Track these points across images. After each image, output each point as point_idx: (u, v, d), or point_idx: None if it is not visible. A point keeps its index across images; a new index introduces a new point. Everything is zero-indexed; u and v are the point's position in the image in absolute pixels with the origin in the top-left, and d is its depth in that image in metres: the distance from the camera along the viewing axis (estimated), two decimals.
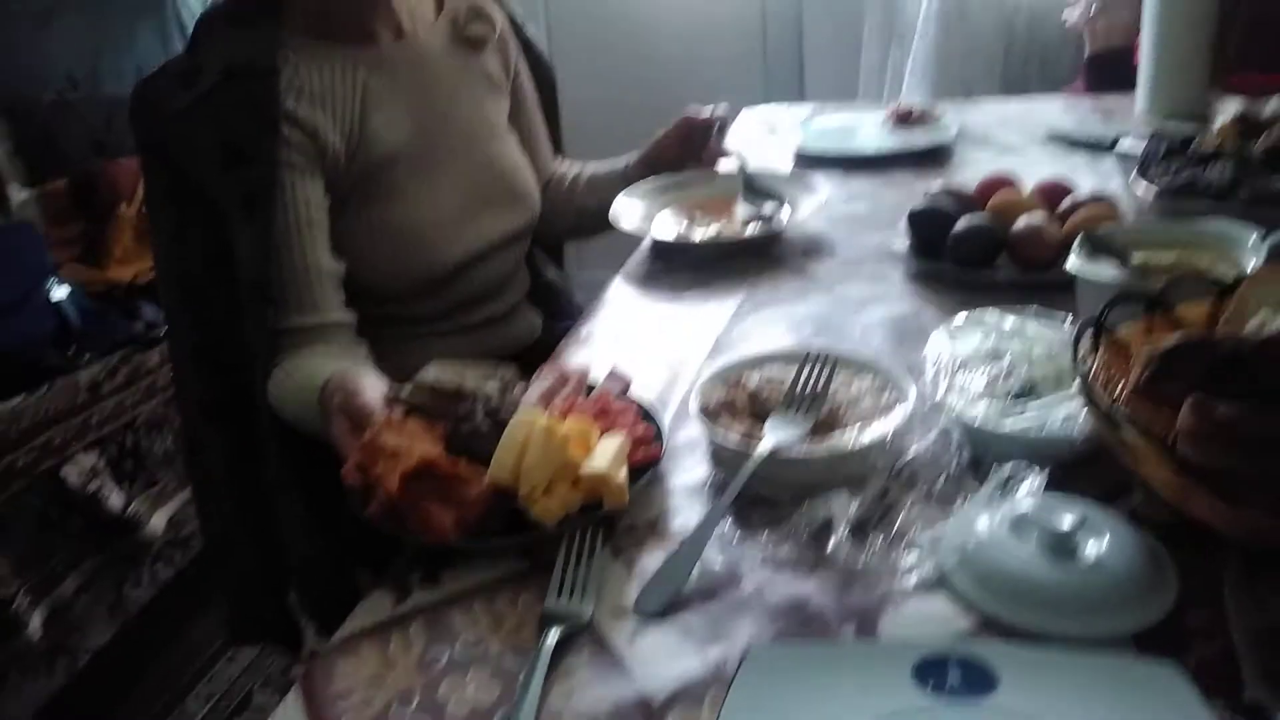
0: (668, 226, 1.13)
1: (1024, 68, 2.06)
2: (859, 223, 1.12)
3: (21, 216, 1.97)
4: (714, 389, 0.73)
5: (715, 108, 1.27)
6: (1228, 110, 1.23)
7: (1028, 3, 2.02)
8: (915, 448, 0.67)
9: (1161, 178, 1.01)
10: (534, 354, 1.23)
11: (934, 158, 1.31)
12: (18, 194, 2.02)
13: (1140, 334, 0.66)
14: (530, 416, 0.66)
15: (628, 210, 1.16)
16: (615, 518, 0.65)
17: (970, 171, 1.25)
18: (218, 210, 1.03)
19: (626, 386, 0.77)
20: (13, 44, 2.13)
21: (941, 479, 0.65)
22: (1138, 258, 0.79)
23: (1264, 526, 0.53)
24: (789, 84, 2.38)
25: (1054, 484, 0.61)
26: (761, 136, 1.48)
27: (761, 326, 0.91)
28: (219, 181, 1.01)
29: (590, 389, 0.76)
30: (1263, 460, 0.52)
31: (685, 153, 1.28)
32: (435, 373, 0.73)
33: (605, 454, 0.65)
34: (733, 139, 1.30)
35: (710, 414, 0.71)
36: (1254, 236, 0.82)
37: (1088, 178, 1.16)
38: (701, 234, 1.09)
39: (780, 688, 0.50)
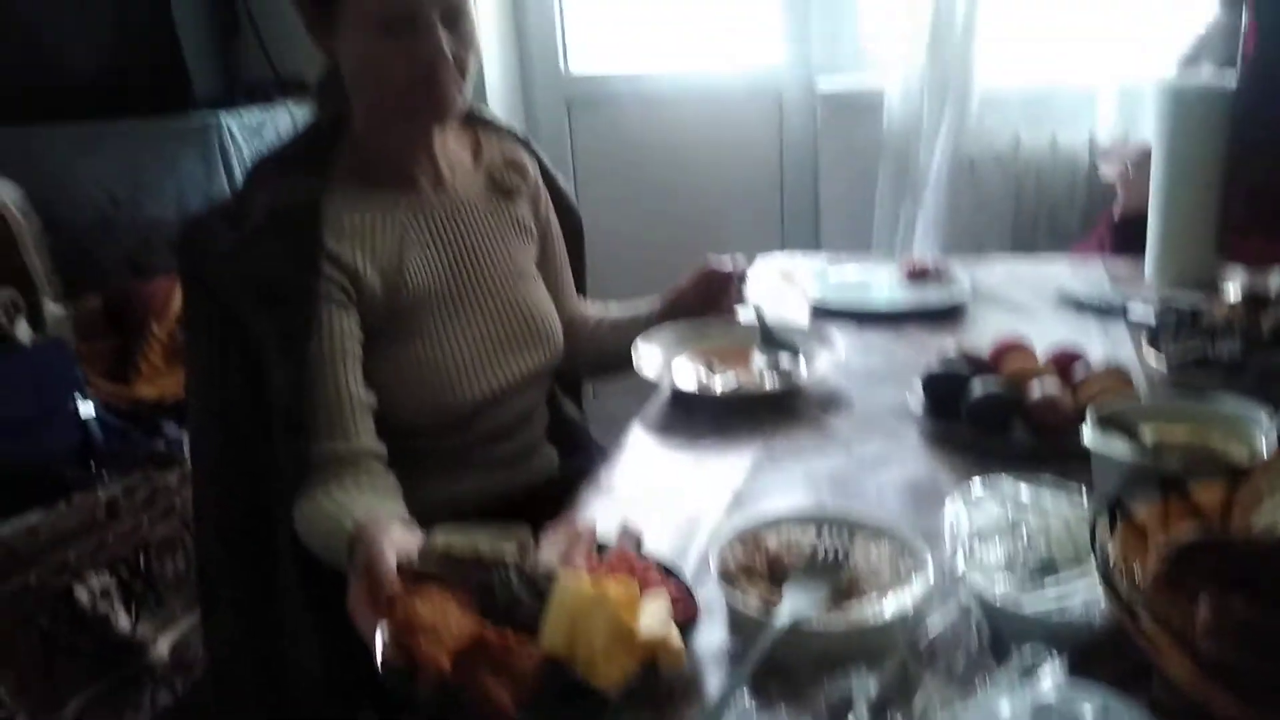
0: (687, 375, 1.16)
1: (1033, 223, 2.13)
2: (874, 378, 1.15)
3: (56, 332, 2.02)
4: (733, 550, 0.74)
5: (734, 258, 1.32)
6: (1235, 281, 1.27)
7: (1035, 161, 2.10)
8: (934, 623, 0.68)
9: (1172, 349, 1.04)
10: (551, 490, 1.25)
11: (947, 314, 1.35)
12: (53, 310, 2.08)
13: (1157, 518, 0.68)
14: (574, 582, 0.66)
15: (647, 357, 1.19)
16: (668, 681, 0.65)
17: (982, 330, 1.28)
18: (255, 342, 1.07)
19: (639, 542, 0.78)
20: (59, 164, 2.23)
21: (961, 658, 0.65)
22: (1151, 434, 0.81)
23: None
24: (805, 233, 2.46)
25: (1073, 668, 0.61)
26: (777, 285, 1.53)
27: (780, 482, 0.93)
28: (259, 316, 1.05)
29: (600, 546, 0.77)
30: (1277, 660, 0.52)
31: (704, 300, 1.32)
32: (444, 539, 0.73)
33: (656, 616, 0.65)
34: (750, 288, 1.35)
35: (729, 577, 0.71)
36: (1265, 417, 0.83)
37: (1099, 343, 1.19)
38: (721, 384, 1.12)
39: None
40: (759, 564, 0.73)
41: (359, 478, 1.00)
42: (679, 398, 1.13)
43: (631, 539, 0.77)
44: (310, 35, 1.10)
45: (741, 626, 0.70)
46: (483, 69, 2.38)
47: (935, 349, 1.19)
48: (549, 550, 0.73)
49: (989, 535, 0.74)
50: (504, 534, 0.74)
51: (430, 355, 1.13)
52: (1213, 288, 1.32)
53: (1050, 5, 2.05)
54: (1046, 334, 1.23)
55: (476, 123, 1.27)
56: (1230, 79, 1.30)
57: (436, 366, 1.13)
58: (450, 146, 1.21)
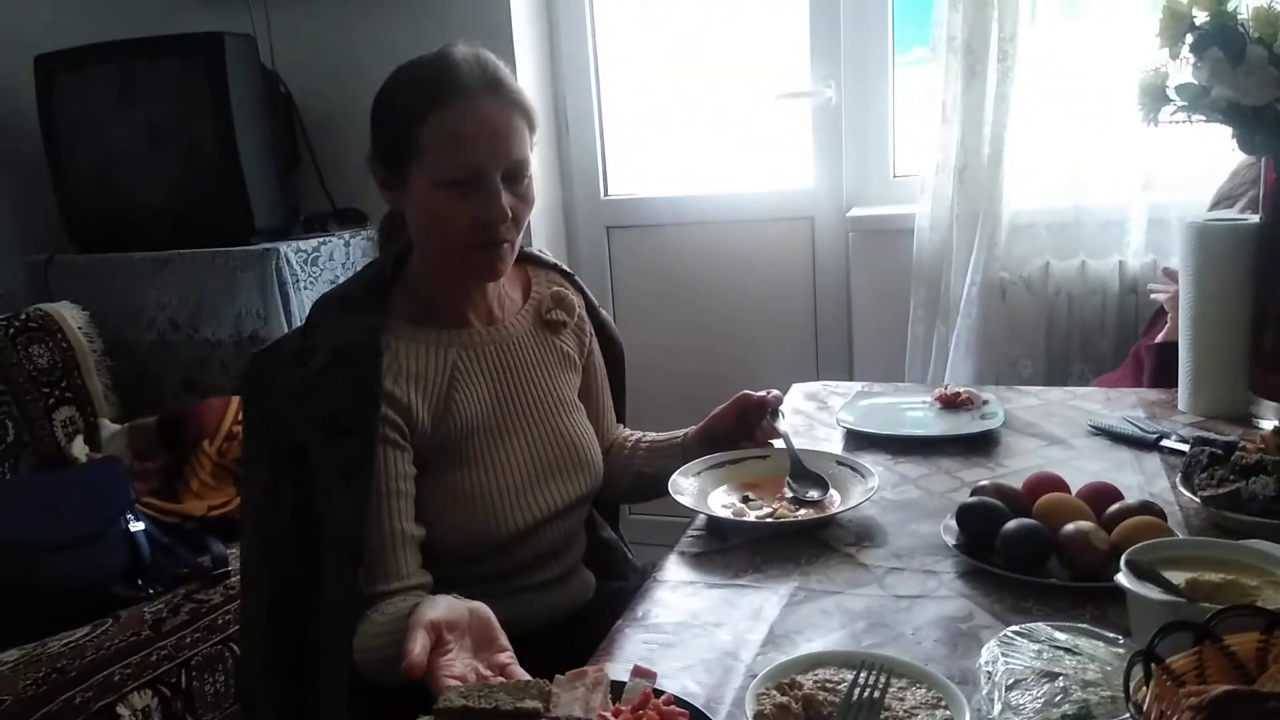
0: (722, 504, 1.18)
1: (1065, 349, 2.15)
2: (908, 510, 1.16)
3: (110, 450, 2.09)
4: (767, 693, 0.75)
5: (770, 392, 1.36)
6: (1268, 418, 1.28)
7: (1066, 285, 2.13)
8: None
9: (1204, 487, 1.05)
10: (588, 614, 1.27)
11: (980, 443, 1.36)
12: (108, 428, 2.16)
13: (1190, 667, 0.68)
14: None
15: (682, 485, 1.21)
16: None
17: (1016, 461, 1.29)
18: (312, 476, 1.12)
19: (654, 680, 0.79)
20: (125, 289, 2.36)
21: None
22: (1185, 578, 0.81)
23: None
24: (839, 360, 2.50)
25: None
26: (812, 412, 1.55)
27: (815, 618, 0.93)
28: (321, 450, 1.10)
29: (616, 684, 0.78)
30: None
31: (740, 430, 1.36)
32: (461, 696, 0.74)
33: None
34: (785, 417, 1.38)
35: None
36: None
37: (1133, 476, 1.20)
38: (755, 514, 1.14)
39: None
40: (794, 707, 0.74)
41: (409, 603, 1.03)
42: (713, 527, 1.15)
43: (648, 678, 0.78)
44: (380, 186, 1.19)
45: None
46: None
47: (969, 481, 1.20)
48: (568, 701, 0.74)
49: (1024, 681, 0.74)
50: (522, 689, 0.75)
51: (475, 484, 1.17)
52: (1246, 422, 1.33)
53: (1077, 135, 2.12)
54: (1081, 466, 1.24)
55: (527, 260, 1.34)
56: (1256, 215, 1.34)
57: (481, 495, 1.17)
58: (503, 285, 1.27)
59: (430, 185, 1.12)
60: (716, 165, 2.68)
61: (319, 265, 2.34)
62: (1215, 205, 1.76)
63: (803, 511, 1.14)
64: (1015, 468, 1.26)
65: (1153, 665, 0.66)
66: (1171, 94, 1.31)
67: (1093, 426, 1.37)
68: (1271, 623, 0.70)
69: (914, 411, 1.50)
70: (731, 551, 1.09)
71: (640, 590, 1.02)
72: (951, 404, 1.49)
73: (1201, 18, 1.25)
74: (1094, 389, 1.62)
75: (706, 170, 2.69)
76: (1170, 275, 1.61)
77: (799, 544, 1.09)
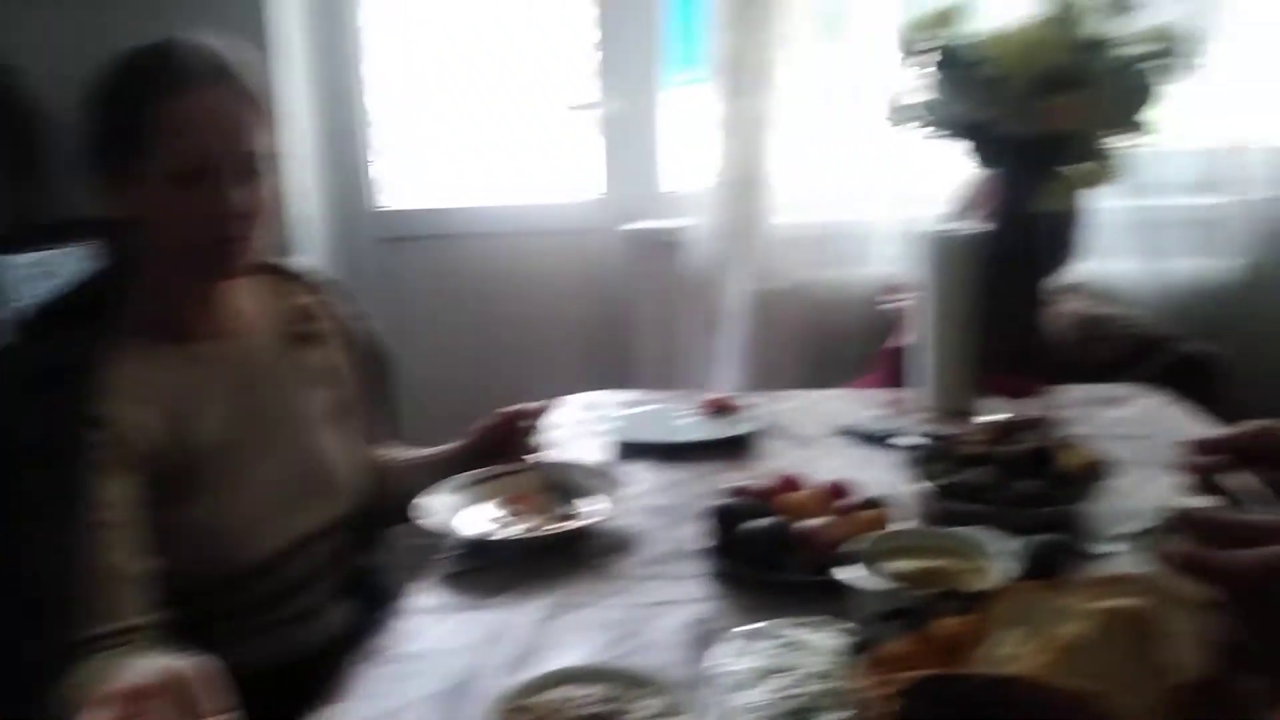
0: (475, 523, 1.14)
1: (827, 354, 2.26)
2: (666, 516, 1.17)
3: None
4: (502, 715, 0.72)
5: (534, 405, 1.34)
6: (990, 412, 1.38)
7: (826, 295, 2.25)
8: None
9: (930, 479, 1.11)
10: (345, 647, 1.19)
11: (742, 448, 1.40)
12: None
13: (902, 653, 0.71)
14: None
15: (435, 506, 1.17)
16: None
17: (773, 462, 1.33)
18: (11, 513, 0.99)
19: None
20: None
21: None
22: (900, 566, 0.85)
23: None
24: (621, 372, 2.51)
25: None
26: (581, 424, 1.55)
27: (564, 634, 0.92)
28: (19, 482, 0.98)
29: None
30: None
31: (504, 445, 1.32)
32: None
33: None
34: (553, 429, 1.36)
35: None
36: (1009, 545, 0.90)
37: (878, 473, 1.25)
38: (507, 532, 1.11)
39: None
40: None
41: (126, 654, 0.92)
42: (468, 548, 1.11)
43: None
44: (99, 184, 1.08)
45: None
46: (290, 210, 2.37)
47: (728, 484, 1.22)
48: None
49: (752, 680, 0.75)
50: None
51: (212, 511, 1.08)
52: (977, 419, 1.43)
53: (835, 151, 2.24)
54: (830, 466, 1.29)
55: (272, 269, 1.25)
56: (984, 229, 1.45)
57: (221, 523, 1.08)
58: (243, 295, 1.19)
59: (155, 181, 1.03)
60: (495, 176, 2.64)
61: (50, 281, 2.11)
62: (956, 216, 1.89)
63: (556, 526, 1.12)
64: (768, 469, 1.29)
65: (864, 654, 0.69)
66: (915, 111, 1.40)
67: (839, 427, 1.44)
68: (974, 607, 0.74)
69: (682, 419, 1.52)
70: (485, 572, 1.06)
71: (384, 621, 0.97)
72: (717, 410, 1.53)
73: (937, 40, 1.35)
74: (846, 391, 1.70)
75: (485, 182, 2.65)
76: (896, 288, 1.72)
77: (556, 559, 1.07)
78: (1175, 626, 0.67)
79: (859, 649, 0.69)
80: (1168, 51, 1.21)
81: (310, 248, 2.53)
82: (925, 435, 1.21)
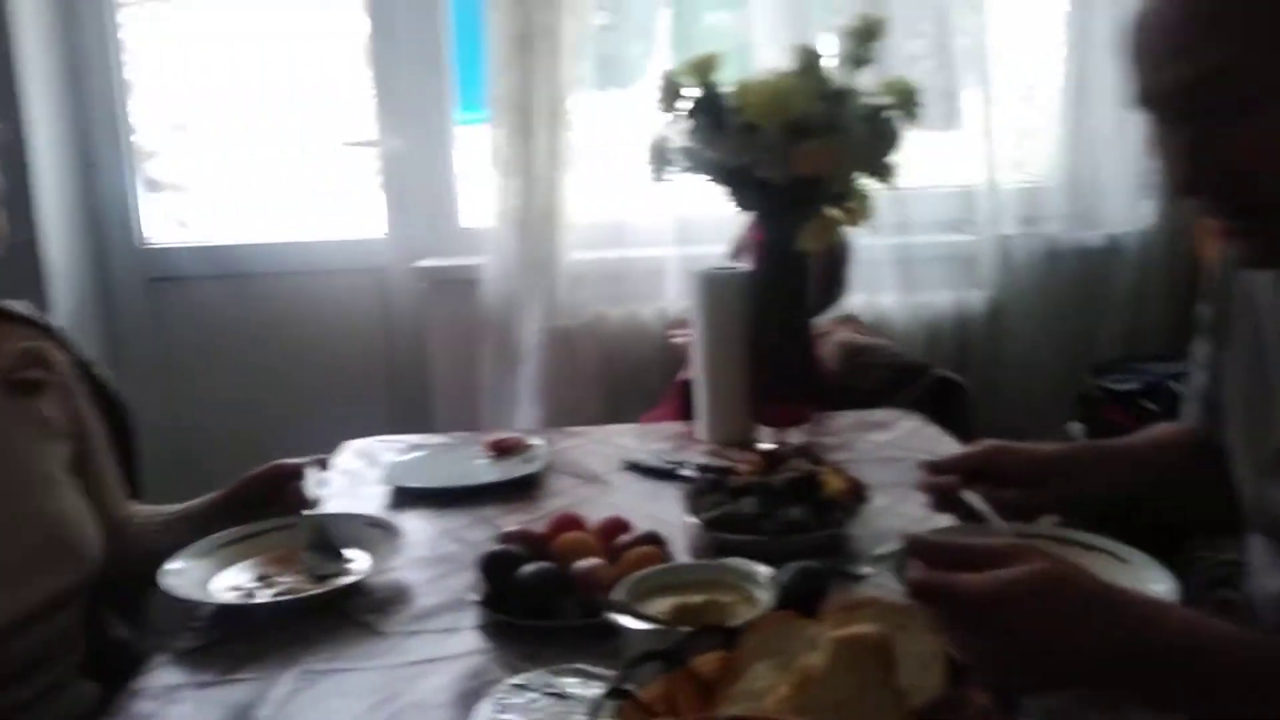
0: (228, 587, 1.06)
1: (622, 389, 2.28)
2: (441, 566, 1.12)
3: None
4: None
5: (310, 457, 1.27)
6: (766, 444, 1.43)
7: (619, 331, 2.28)
8: None
9: (701, 510, 1.13)
10: None
11: (524, 488, 1.37)
12: None
13: (660, 696, 0.70)
14: None
15: (186, 568, 1.07)
16: None
17: (556, 501, 1.31)
18: None
19: None
20: None
21: None
22: (665, 605, 0.85)
23: None
24: (419, 414, 2.43)
25: None
26: (360, 471, 1.48)
27: (318, 703, 0.85)
28: None
29: None
30: None
31: (273, 498, 1.24)
32: None
33: None
34: (328, 479, 1.29)
35: None
36: (773, 575, 0.91)
37: (662, 507, 1.26)
38: (264, 595, 1.03)
39: None
40: None
41: None
42: (217, 615, 1.02)
43: None
44: None
45: None
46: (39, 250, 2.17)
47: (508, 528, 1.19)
48: None
49: None
50: None
51: None
52: (753, 448, 1.47)
53: (621, 191, 2.28)
54: (610, 501, 1.29)
55: None
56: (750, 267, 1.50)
57: None
58: None
59: None
60: (275, 215, 2.52)
61: None
62: (731, 255, 1.96)
63: (320, 585, 1.06)
64: (553, 508, 1.28)
65: (623, 696, 0.68)
66: (675, 155, 1.44)
67: (625, 462, 1.45)
68: (733, 640, 0.75)
69: (464, 462, 1.48)
70: (233, 641, 0.97)
71: (111, 707, 0.87)
72: (501, 451, 1.49)
73: (692, 89, 1.39)
74: (632, 426, 1.72)
75: (265, 220, 2.52)
76: (682, 323, 1.77)
77: (317, 622, 1.00)
78: (911, 649, 0.70)
79: (615, 694, 0.68)
80: (904, 102, 1.31)
81: (65, 288, 2.31)
82: (700, 467, 1.23)
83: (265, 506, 1.23)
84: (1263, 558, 0.91)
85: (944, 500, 1.00)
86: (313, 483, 1.25)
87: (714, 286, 1.49)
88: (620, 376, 2.28)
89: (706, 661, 0.73)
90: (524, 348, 2.24)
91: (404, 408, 2.47)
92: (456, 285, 2.35)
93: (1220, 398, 0.97)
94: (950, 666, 0.70)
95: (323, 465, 1.30)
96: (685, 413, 1.77)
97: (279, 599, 1.02)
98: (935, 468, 1.03)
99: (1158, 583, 0.89)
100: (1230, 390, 0.94)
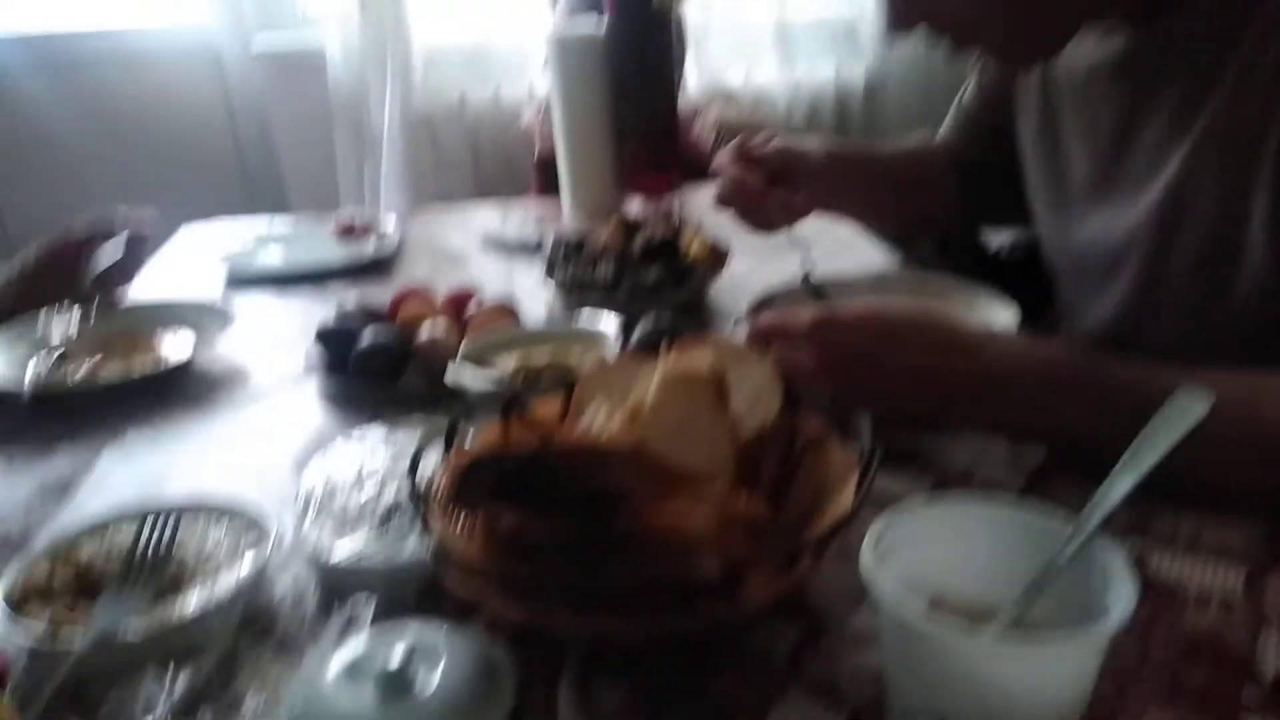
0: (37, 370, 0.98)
1: (493, 174, 2.19)
2: (283, 344, 1.07)
3: None
4: (27, 571, 0.62)
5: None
6: (619, 212, 1.38)
7: (484, 115, 2.15)
8: (273, 596, 0.62)
9: (559, 276, 1.09)
10: None
11: (377, 270, 1.31)
12: None
13: (491, 440, 0.68)
14: None
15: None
16: None
17: (408, 279, 1.26)
18: None
19: None
20: None
21: (296, 627, 0.60)
22: (511, 361, 0.83)
23: (578, 626, 0.54)
24: (273, 197, 2.28)
25: (409, 611, 0.59)
26: (196, 256, 1.38)
27: (142, 470, 0.81)
28: None
29: None
30: (552, 562, 0.53)
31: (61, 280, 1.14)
32: None
33: None
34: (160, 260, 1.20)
35: (16, 603, 0.59)
36: (620, 330, 0.89)
37: (515, 280, 1.23)
38: (80, 375, 0.96)
39: None
40: (63, 582, 0.62)
41: None
42: (39, 396, 0.95)
43: None
44: None
45: (34, 662, 0.58)
46: None
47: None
48: None
49: (342, 490, 0.70)
50: None
51: None
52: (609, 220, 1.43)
53: None
54: (468, 277, 1.24)
55: None
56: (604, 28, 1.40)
57: None
58: None
59: None
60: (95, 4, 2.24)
61: None
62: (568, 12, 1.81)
63: (142, 367, 0.99)
64: (401, 285, 1.22)
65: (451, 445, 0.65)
66: None
67: (484, 238, 1.39)
68: (572, 388, 0.72)
69: (310, 243, 1.40)
70: (48, 424, 0.90)
71: None
72: (350, 232, 1.41)
73: None
74: (493, 203, 1.64)
75: (92, 6, 2.24)
76: (528, 103, 1.66)
77: (140, 403, 0.93)
78: (745, 382, 0.69)
79: (448, 440, 0.65)
80: None
81: None
82: (561, 239, 1.18)
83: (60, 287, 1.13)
84: (1070, 295, 0.93)
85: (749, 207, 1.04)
86: (104, 254, 1.14)
87: (567, 50, 1.38)
88: (487, 161, 2.17)
89: (540, 407, 0.71)
90: (381, 134, 2.10)
91: (257, 197, 2.32)
92: (298, 67, 2.16)
93: (984, 120, 1.03)
94: (785, 398, 0.69)
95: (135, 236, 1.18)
96: (549, 191, 1.70)
97: (102, 382, 0.95)
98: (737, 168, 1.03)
99: (1002, 313, 0.91)
100: (1022, 128, 0.94)
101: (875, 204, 1.14)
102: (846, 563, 0.54)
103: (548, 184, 1.58)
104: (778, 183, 1.03)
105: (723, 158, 1.06)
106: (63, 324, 1.06)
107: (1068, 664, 0.42)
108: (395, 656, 0.54)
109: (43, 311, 1.08)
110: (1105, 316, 0.85)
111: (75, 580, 0.62)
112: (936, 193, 1.12)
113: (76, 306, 1.08)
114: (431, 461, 0.63)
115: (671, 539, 0.51)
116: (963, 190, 1.10)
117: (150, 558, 0.63)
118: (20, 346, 1.02)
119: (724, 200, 1.06)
